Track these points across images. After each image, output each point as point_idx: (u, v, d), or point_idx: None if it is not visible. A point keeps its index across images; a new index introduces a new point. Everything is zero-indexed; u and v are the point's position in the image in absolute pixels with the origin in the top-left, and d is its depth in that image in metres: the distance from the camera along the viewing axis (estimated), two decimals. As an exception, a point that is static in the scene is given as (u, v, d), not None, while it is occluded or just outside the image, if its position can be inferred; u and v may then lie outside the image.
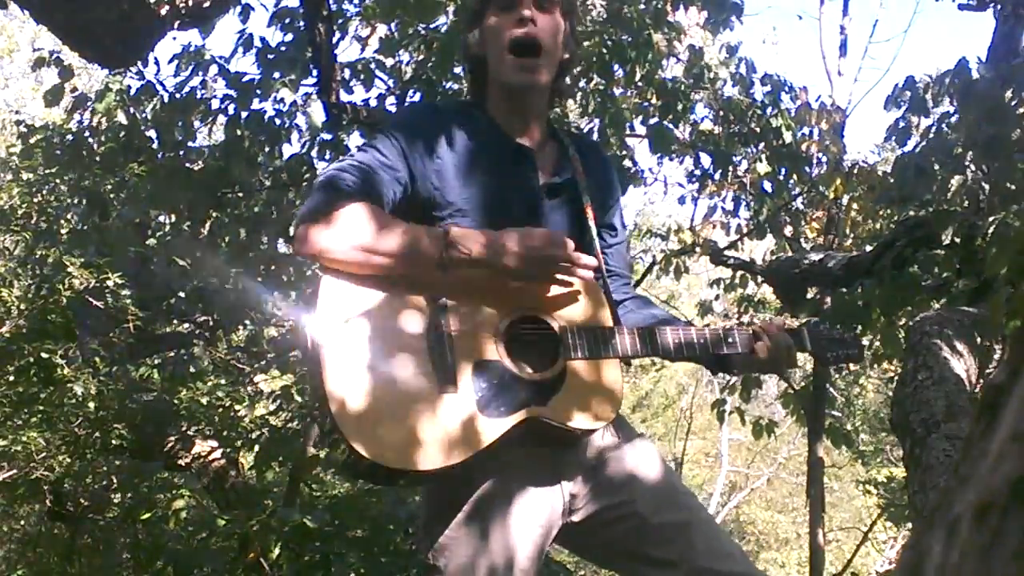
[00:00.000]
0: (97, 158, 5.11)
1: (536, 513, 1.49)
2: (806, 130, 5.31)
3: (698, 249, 5.94)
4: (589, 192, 1.65)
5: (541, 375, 1.47)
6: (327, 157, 4.72)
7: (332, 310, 1.40)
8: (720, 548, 1.50)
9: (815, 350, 1.71)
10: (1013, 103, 3.26)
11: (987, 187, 3.34)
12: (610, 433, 1.60)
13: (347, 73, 4.61)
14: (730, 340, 1.61)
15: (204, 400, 5.05)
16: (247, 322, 5.57)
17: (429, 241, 1.43)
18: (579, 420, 1.46)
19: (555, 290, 1.52)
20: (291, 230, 1.52)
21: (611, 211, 1.73)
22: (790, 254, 5.19)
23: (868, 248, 4.32)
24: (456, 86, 4.71)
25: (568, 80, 1.76)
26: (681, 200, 6.13)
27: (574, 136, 1.81)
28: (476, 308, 1.48)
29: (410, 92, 4.82)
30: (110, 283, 4.75)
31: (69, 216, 6.05)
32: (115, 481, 5.22)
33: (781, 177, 5.22)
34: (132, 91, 4.82)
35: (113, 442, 5.00)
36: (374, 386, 1.37)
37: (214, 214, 4.95)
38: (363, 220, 1.41)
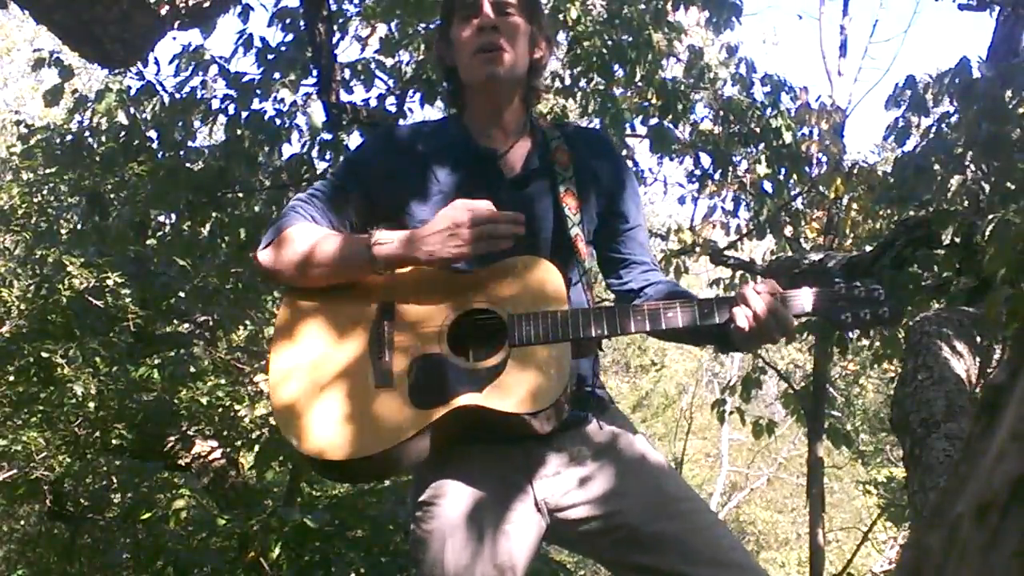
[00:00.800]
0: (97, 158, 5.11)
1: (502, 510, 1.49)
2: (806, 130, 5.31)
3: (698, 249, 5.94)
4: (575, 182, 1.62)
5: (478, 364, 1.47)
6: (327, 157, 4.72)
7: (283, 315, 1.56)
8: (722, 556, 1.47)
9: (824, 312, 1.51)
10: (1013, 103, 3.26)
11: (987, 187, 3.34)
12: (608, 431, 1.58)
13: (347, 73, 4.61)
14: (706, 311, 1.48)
15: (204, 400, 5.05)
16: (247, 322, 5.56)
17: (356, 245, 1.52)
18: (511, 404, 1.42)
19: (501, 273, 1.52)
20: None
21: (618, 200, 1.68)
22: (790, 254, 5.19)
23: (868, 248, 4.32)
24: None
25: (544, 79, 1.76)
26: (681, 200, 6.14)
27: (571, 129, 1.79)
28: (425, 306, 1.52)
29: (410, 92, 4.82)
30: (110, 283, 4.75)
31: (69, 216, 6.05)
32: (115, 481, 5.22)
33: (781, 177, 5.22)
34: (132, 91, 4.82)
35: (113, 442, 5.00)
36: (311, 387, 1.48)
37: (214, 214, 4.94)
38: (300, 238, 1.55)
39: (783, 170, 5.17)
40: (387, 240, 1.50)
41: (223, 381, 5.28)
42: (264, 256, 1.58)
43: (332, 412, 1.45)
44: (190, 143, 5.07)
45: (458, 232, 1.46)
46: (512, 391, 1.44)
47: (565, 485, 1.53)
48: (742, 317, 1.45)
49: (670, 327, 1.49)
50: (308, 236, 1.55)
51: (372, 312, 1.52)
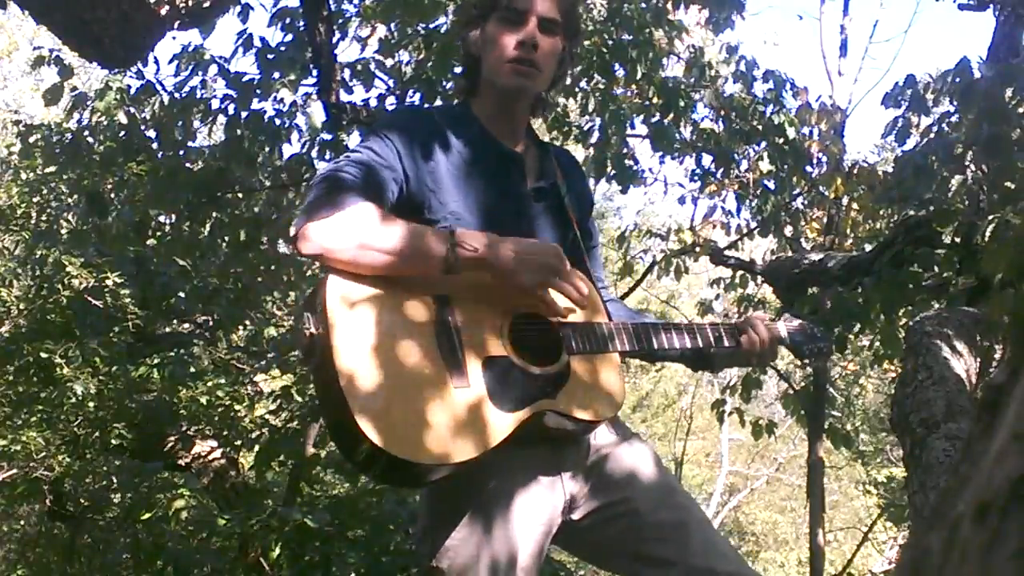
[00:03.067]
0: (97, 158, 5.10)
1: (538, 512, 1.49)
2: (806, 130, 5.30)
3: (698, 249, 5.94)
4: (569, 197, 1.70)
5: (548, 369, 1.48)
6: (327, 157, 4.71)
7: (338, 301, 1.38)
8: (716, 548, 1.52)
9: (792, 344, 1.78)
10: (1013, 103, 3.26)
11: (987, 187, 3.34)
12: (608, 432, 1.61)
13: (347, 73, 4.60)
14: (719, 337, 1.66)
15: (204, 400, 5.05)
16: (247, 322, 5.56)
17: (436, 240, 1.42)
18: (587, 412, 1.49)
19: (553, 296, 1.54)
20: (292, 229, 1.49)
21: (587, 218, 1.79)
22: (790, 254, 5.18)
23: (868, 248, 4.32)
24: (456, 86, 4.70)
25: (552, 92, 1.80)
26: (681, 200, 6.13)
27: (549, 144, 1.85)
28: (479, 304, 1.48)
29: (410, 92, 4.82)
30: (110, 283, 4.75)
31: (69, 216, 6.04)
32: (115, 481, 5.22)
33: (783, 175, 5.21)
34: (132, 91, 4.82)
35: (113, 442, 5.00)
36: (384, 370, 1.34)
37: (214, 214, 4.94)
38: (367, 218, 1.40)
39: (785, 167, 5.17)
40: (472, 241, 1.43)
41: (223, 381, 5.28)
42: (318, 232, 1.38)
43: (418, 413, 1.34)
44: (190, 143, 5.07)
45: (549, 267, 1.47)
46: (583, 399, 1.49)
47: (584, 483, 1.56)
48: (749, 343, 1.67)
49: (695, 352, 1.69)
50: (379, 219, 1.41)
51: (430, 304, 1.44)
